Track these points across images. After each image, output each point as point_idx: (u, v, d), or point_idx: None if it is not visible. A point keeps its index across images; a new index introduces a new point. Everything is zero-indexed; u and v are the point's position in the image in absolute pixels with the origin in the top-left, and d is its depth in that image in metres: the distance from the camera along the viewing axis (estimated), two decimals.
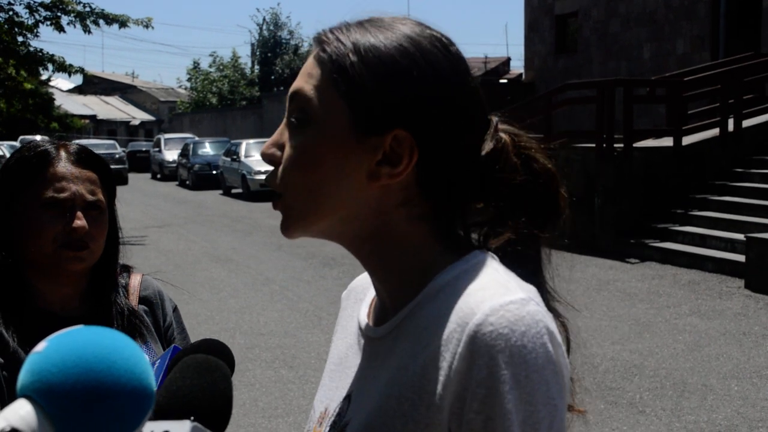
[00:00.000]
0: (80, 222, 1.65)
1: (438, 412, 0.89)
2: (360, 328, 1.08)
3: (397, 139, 0.95)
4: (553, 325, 0.91)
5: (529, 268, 1.01)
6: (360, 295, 1.15)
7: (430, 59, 0.97)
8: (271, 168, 1.02)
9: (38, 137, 29.34)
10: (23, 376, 0.85)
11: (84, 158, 1.72)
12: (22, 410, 0.82)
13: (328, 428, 1.05)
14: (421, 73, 0.96)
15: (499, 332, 0.86)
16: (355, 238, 1.01)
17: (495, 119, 1.03)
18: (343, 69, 0.96)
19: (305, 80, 0.99)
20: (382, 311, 1.04)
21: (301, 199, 0.98)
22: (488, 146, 1.00)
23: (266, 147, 1.01)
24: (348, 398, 1.04)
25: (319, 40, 1.00)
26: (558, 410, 0.88)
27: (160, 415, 0.96)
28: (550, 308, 1.00)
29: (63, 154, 1.71)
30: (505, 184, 1.00)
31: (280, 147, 1.00)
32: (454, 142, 0.98)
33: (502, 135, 1.02)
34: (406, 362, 0.94)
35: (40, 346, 0.86)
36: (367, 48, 0.96)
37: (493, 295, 0.90)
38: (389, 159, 0.96)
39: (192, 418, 0.93)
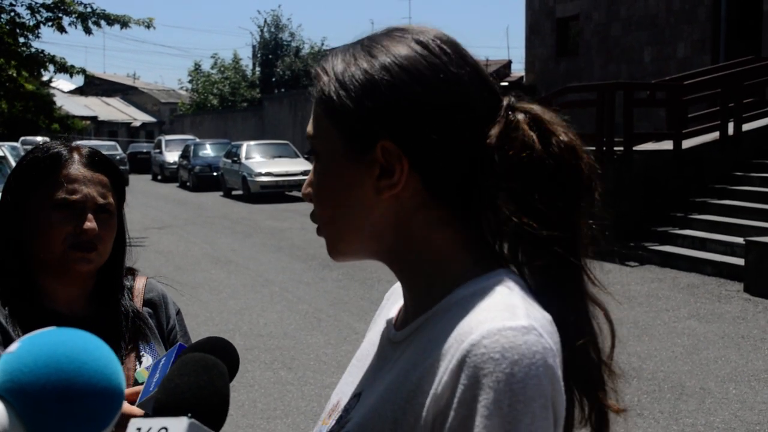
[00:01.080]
0: (90, 224, 1.68)
1: (424, 426, 0.90)
2: (385, 328, 1.10)
3: (386, 150, 0.97)
4: (553, 359, 0.88)
5: (562, 288, 0.97)
6: (398, 296, 1.16)
7: (402, 63, 0.98)
8: None
9: (39, 138, 29.32)
10: None
11: (96, 162, 1.75)
12: None
13: (334, 422, 1.06)
14: (392, 81, 0.97)
15: (490, 356, 0.86)
16: (386, 252, 1.03)
17: (507, 100, 1.01)
18: (328, 98, 1.00)
19: (312, 119, 1.05)
20: (405, 316, 1.06)
21: (329, 229, 1.04)
22: (496, 130, 0.97)
23: (303, 188, 1.08)
24: (358, 396, 1.05)
25: (314, 76, 1.04)
26: None
27: (158, 411, 0.98)
28: (586, 330, 0.97)
29: (76, 156, 1.73)
30: (520, 164, 0.95)
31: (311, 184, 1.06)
32: (444, 138, 0.96)
33: (517, 115, 0.99)
34: (408, 370, 0.95)
35: (13, 347, 0.87)
36: (344, 72, 1.00)
37: (495, 317, 0.89)
38: (386, 171, 0.97)
39: (189, 414, 0.95)
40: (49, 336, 0.88)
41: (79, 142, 1.91)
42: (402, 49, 0.99)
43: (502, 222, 0.98)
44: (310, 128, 1.04)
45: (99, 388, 0.86)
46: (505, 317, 0.89)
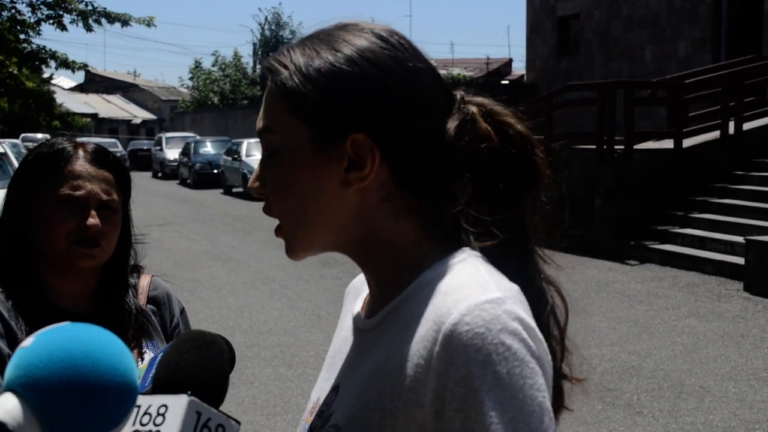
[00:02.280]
0: (93, 220, 1.68)
1: (417, 408, 0.91)
2: (353, 320, 1.11)
3: (356, 143, 0.98)
4: (532, 322, 0.91)
5: (518, 264, 1.01)
6: (358, 291, 1.18)
7: (370, 57, 0.99)
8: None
9: (39, 135, 29.30)
10: (10, 371, 0.86)
11: (101, 158, 1.75)
12: (8, 404, 0.83)
13: (314, 417, 1.07)
14: (362, 74, 0.98)
15: (476, 332, 0.87)
16: (347, 243, 1.04)
17: (459, 94, 1.05)
18: (290, 91, 1.00)
19: (265, 114, 1.03)
20: (373, 304, 1.07)
21: (292, 225, 1.03)
22: (454, 122, 1.01)
23: (251, 183, 1.06)
24: (336, 389, 1.06)
25: (268, 70, 1.03)
26: (545, 403, 0.88)
27: (158, 389, 0.98)
28: (544, 302, 1.02)
29: (80, 153, 1.74)
30: (478, 154, 1.00)
31: (263, 180, 1.04)
32: (413, 129, 0.99)
33: (470, 107, 1.03)
34: (387, 356, 0.96)
35: (27, 342, 0.87)
36: (308, 65, 0.99)
37: (470, 294, 0.91)
38: (355, 164, 0.98)
39: (189, 392, 0.95)
40: (64, 331, 0.88)
41: (82, 139, 1.91)
42: (364, 43, 1.00)
43: (459, 208, 1.02)
44: (263, 123, 1.03)
45: (114, 383, 0.86)
46: (478, 292, 0.91)
